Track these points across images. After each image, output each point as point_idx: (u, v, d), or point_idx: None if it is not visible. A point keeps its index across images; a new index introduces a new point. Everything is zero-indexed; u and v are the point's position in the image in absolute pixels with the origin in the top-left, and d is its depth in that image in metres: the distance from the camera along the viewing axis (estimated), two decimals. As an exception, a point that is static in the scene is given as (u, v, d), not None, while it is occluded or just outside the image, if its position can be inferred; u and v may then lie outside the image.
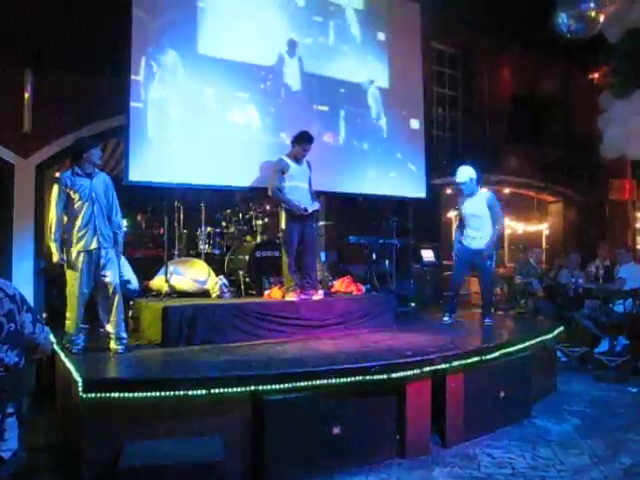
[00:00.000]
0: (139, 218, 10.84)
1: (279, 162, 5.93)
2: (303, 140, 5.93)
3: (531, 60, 11.79)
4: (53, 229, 4.57)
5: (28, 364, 2.57)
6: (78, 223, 4.56)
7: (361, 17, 7.61)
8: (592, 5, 8.70)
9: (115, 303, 4.68)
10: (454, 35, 10.92)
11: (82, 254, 4.56)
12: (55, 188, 4.63)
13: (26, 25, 6.45)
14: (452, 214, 12.04)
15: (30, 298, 6.42)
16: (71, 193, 4.57)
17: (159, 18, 6.07)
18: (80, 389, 3.58)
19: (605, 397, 5.92)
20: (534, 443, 4.59)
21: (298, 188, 5.89)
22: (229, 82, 6.48)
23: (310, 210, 5.89)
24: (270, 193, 5.94)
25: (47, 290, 6.87)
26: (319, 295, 5.95)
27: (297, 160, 5.93)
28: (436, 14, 8.82)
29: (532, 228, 13.43)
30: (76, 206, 4.57)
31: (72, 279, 4.60)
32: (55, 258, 4.61)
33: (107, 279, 4.64)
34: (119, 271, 4.85)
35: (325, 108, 7.19)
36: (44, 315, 6.58)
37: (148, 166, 5.96)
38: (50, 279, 6.72)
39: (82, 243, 4.56)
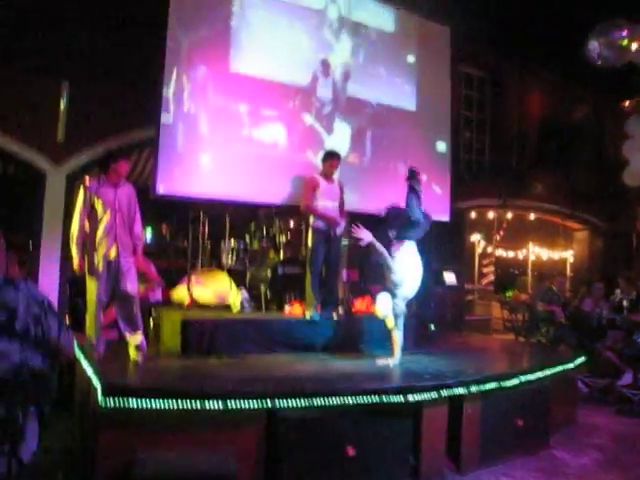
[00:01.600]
0: (163, 229, 10.97)
1: (311, 180, 6.00)
2: (330, 156, 6.04)
3: (561, 85, 11.75)
4: (75, 235, 4.66)
5: (52, 369, 2.61)
6: (100, 231, 4.65)
7: (391, 39, 7.69)
8: (625, 34, 8.64)
9: (134, 312, 4.75)
10: (483, 59, 10.96)
11: (102, 262, 4.63)
12: (80, 195, 4.73)
13: (63, 38, 6.63)
14: (475, 238, 11.99)
15: (55, 303, 6.57)
16: (95, 201, 4.66)
17: (192, 35, 6.20)
18: (99, 396, 3.63)
19: (626, 431, 5.78)
20: (551, 475, 4.50)
21: (327, 207, 5.93)
22: (258, 100, 6.57)
23: (337, 234, 5.93)
24: (303, 209, 6.00)
25: (72, 296, 6.98)
26: (340, 314, 5.95)
27: (327, 178, 5.99)
28: (466, 38, 8.86)
29: (556, 255, 13.29)
30: (99, 214, 4.66)
31: (91, 286, 4.68)
32: (75, 263, 4.71)
33: (126, 288, 4.70)
34: None
35: (352, 128, 7.25)
36: (67, 320, 6.68)
37: (176, 179, 6.05)
38: (75, 285, 6.83)
39: (102, 251, 4.64)
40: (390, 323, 5.16)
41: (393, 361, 5.13)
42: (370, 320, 6.15)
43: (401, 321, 5.22)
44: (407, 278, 5.17)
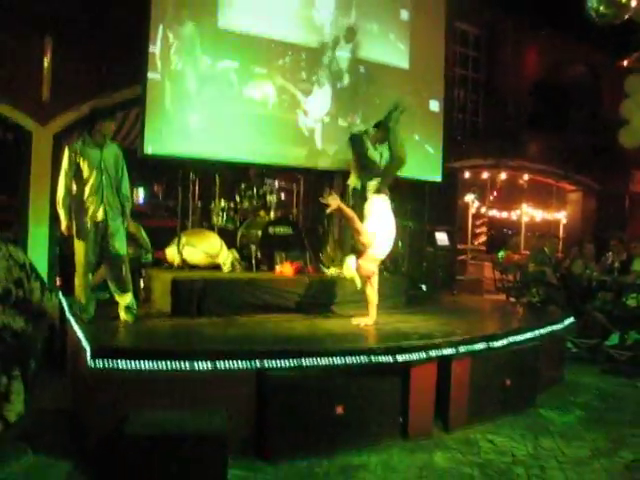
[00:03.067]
0: (155, 188, 10.90)
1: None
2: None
3: (557, 43, 11.53)
4: (61, 197, 4.61)
5: (35, 330, 2.60)
6: (86, 193, 4.59)
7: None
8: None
9: (123, 273, 4.73)
10: (479, 15, 10.72)
11: (89, 224, 4.59)
12: (65, 157, 4.64)
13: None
14: (468, 198, 11.96)
15: (45, 264, 6.53)
16: (81, 162, 4.59)
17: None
18: (88, 357, 3.64)
19: (612, 391, 5.88)
20: (537, 433, 4.57)
21: None
22: (247, 57, 6.42)
23: None
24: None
25: (62, 256, 6.94)
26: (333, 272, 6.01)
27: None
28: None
29: (550, 216, 13.29)
30: (85, 175, 4.59)
31: (79, 248, 4.65)
32: (63, 225, 4.67)
33: (114, 249, 4.67)
34: None
35: (344, 87, 7.11)
36: (58, 281, 6.66)
37: (164, 138, 5.95)
38: (65, 245, 6.78)
39: (89, 213, 4.59)
40: (358, 283, 5.10)
41: (367, 321, 5.13)
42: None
43: (375, 279, 5.16)
44: (380, 238, 5.06)
